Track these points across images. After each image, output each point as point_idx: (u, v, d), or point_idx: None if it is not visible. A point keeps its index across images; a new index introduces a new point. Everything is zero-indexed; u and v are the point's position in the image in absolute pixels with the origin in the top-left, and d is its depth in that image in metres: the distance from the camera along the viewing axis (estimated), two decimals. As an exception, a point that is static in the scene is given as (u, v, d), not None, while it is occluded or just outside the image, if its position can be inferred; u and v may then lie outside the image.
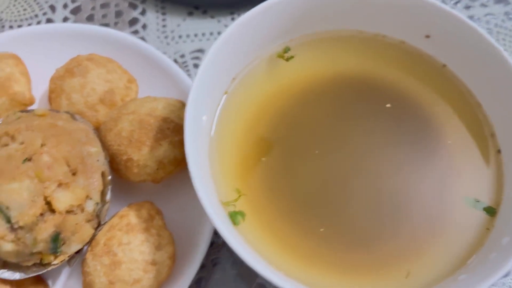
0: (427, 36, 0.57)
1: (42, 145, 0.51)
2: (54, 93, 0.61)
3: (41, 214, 0.49)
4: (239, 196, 0.51)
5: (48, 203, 0.49)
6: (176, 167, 0.56)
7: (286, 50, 0.58)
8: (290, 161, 0.53)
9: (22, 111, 0.58)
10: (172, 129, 0.56)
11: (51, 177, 0.50)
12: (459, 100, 0.56)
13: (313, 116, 0.56)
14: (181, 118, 0.58)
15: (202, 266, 0.58)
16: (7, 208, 0.48)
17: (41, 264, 0.53)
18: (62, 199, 0.50)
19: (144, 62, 0.66)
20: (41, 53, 0.67)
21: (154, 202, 0.57)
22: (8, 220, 0.48)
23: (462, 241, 0.49)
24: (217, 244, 0.60)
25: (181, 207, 0.58)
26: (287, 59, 0.58)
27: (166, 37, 0.75)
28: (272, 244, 0.50)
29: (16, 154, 0.50)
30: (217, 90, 0.55)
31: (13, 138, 0.53)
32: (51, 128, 0.54)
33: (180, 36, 0.75)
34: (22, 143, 0.51)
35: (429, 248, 0.49)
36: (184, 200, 0.58)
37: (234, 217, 0.49)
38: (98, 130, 0.58)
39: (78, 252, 0.53)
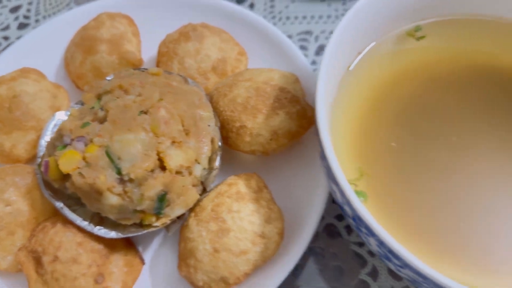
0: None
1: (159, 100, 0.49)
2: (165, 57, 0.59)
3: (152, 171, 0.46)
4: (362, 175, 0.46)
5: (160, 160, 0.47)
6: (289, 140, 0.52)
7: (417, 29, 0.54)
8: (422, 148, 0.48)
9: (135, 69, 0.56)
10: (289, 99, 0.52)
11: (166, 133, 0.47)
12: None
13: (445, 103, 0.51)
14: (296, 90, 0.54)
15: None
16: (119, 158, 0.46)
17: (140, 225, 0.50)
18: (175, 158, 0.47)
19: (254, 35, 0.63)
20: (152, 19, 0.66)
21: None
22: (119, 172, 0.45)
23: None
24: (319, 233, 0.55)
25: (286, 184, 0.54)
26: (418, 39, 0.54)
27: (273, 17, 0.72)
28: (393, 234, 0.44)
29: (133, 105, 0.48)
30: (341, 64, 0.51)
31: (126, 91, 0.51)
32: (167, 86, 0.52)
33: (287, 18, 0.72)
34: (139, 95, 0.49)
35: None
36: (290, 178, 0.54)
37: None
38: (209, 96, 0.56)
39: (179, 218, 0.50)
